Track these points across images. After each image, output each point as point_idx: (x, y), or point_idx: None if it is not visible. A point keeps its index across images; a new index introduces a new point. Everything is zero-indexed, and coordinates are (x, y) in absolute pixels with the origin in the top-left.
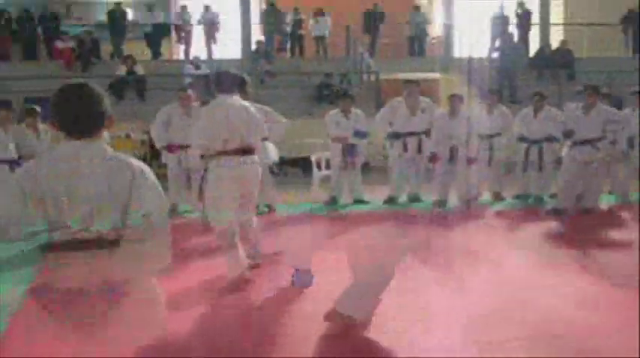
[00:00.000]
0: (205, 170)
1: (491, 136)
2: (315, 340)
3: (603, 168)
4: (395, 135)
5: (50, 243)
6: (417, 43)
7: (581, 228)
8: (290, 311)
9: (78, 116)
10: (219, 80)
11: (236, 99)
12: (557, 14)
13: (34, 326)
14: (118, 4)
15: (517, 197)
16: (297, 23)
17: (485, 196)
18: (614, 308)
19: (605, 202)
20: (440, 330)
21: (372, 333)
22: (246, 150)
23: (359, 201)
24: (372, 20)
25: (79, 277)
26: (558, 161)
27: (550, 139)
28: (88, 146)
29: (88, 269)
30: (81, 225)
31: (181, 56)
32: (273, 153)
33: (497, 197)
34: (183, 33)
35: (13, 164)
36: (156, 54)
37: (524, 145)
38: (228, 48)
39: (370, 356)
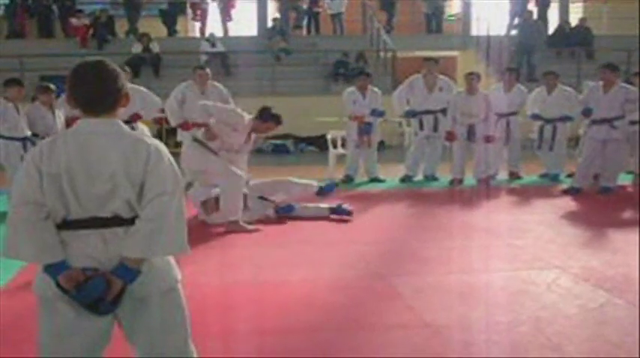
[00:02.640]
0: None
1: (508, 115)
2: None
3: (625, 146)
4: (411, 113)
5: (65, 221)
6: (434, 21)
7: (596, 207)
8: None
9: (94, 94)
10: None
11: None
12: None
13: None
14: None
15: (540, 176)
16: (313, 0)
17: (502, 175)
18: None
19: (626, 181)
20: (454, 310)
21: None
22: None
23: (375, 180)
24: None
25: (95, 255)
26: (576, 140)
27: (564, 119)
28: (105, 123)
29: (104, 248)
30: (97, 203)
31: (197, 33)
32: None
33: (514, 175)
34: (199, 10)
35: (26, 141)
36: (171, 31)
37: (539, 124)
38: (244, 25)
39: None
